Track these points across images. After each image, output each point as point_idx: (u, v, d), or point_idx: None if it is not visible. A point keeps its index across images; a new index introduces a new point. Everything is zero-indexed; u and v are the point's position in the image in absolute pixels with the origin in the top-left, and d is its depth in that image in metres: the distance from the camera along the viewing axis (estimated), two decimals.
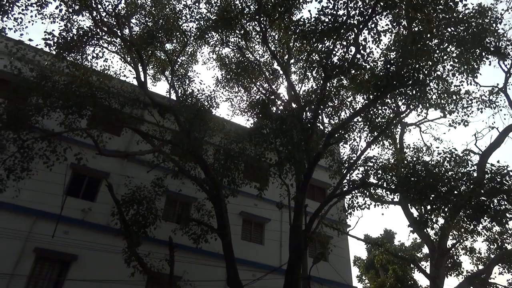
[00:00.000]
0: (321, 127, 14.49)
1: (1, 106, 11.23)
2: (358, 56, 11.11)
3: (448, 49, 12.53)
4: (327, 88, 12.14)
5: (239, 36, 16.52)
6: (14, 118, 10.95)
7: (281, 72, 16.93)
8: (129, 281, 11.97)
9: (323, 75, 11.96)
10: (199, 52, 23.32)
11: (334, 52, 11.37)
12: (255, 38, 17.15)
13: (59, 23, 14.86)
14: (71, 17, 13.61)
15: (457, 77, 14.05)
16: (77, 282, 12.81)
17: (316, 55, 12.66)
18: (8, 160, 11.54)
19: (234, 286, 11.68)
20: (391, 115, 13.87)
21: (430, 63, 11.76)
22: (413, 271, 27.50)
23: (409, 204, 16.76)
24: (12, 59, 11.79)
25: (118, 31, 14.58)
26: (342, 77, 12.57)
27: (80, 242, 13.47)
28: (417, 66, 11.28)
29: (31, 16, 12.76)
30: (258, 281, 13.16)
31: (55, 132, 12.06)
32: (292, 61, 17.04)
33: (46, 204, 13.57)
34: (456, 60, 13.11)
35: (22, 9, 11.99)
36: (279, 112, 12.53)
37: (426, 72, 11.56)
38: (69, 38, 12.25)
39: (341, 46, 11.44)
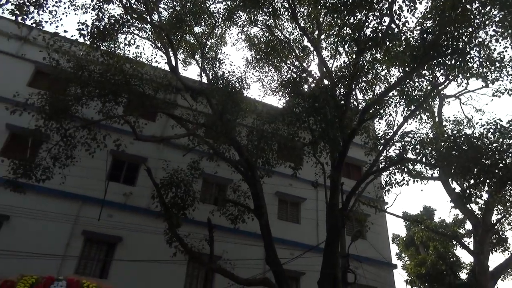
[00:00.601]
0: (355, 103, 14.15)
1: (43, 97, 11.75)
2: (393, 26, 10.65)
3: (490, 13, 11.74)
4: (360, 63, 11.77)
5: (268, 14, 16.25)
6: (56, 108, 11.46)
7: (311, 48, 16.59)
8: (171, 261, 12.40)
9: (355, 49, 11.60)
10: (228, 34, 23.22)
11: (366, 24, 10.96)
12: (284, 15, 16.83)
13: (91, 13, 15.21)
14: (102, 6, 13.88)
15: (500, 43, 13.19)
16: (123, 262, 13.45)
17: (348, 28, 12.26)
18: (53, 149, 12.14)
19: (272, 264, 11.86)
20: (429, 87, 13.30)
21: (471, 30, 11.08)
22: (455, 248, 26.80)
23: (450, 179, 16.21)
24: (50, 51, 12.23)
25: (148, 17, 14.73)
26: (376, 50, 12.12)
27: (124, 224, 14.07)
28: (456, 33, 10.68)
29: (65, 8, 13.16)
30: (296, 260, 13.30)
31: (94, 120, 12.51)
32: (322, 36, 16.62)
33: (90, 189, 14.21)
34: (499, 25, 12.27)
35: (56, 1, 12.34)
36: (311, 89, 12.31)
37: (466, 39, 10.92)
38: (101, 27, 12.51)
39: (374, 17, 11.01)
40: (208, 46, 17.85)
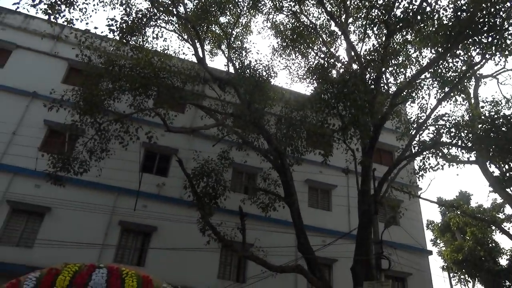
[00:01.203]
0: (385, 87, 13.78)
1: (77, 93, 12.15)
2: (424, 5, 10.25)
3: None
4: (391, 45, 11.43)
5: (293, 0, 16.00)
6: (90, 103, 11.83)
7: (339, 33, 16.25)
8: (205, 249, 12.68)
9: (385, 31, 11.28)
10: (253, 22, 23.17)
11: (396, 5, 10.60)
12: (310, 1, 16.52)
13: (119, 9, 15.50)
14: (129, 1, 14.11)
15: None
16: (159, 251, 13.86)
17: (377, 10, 11.90)
18: (89, 142, 12.58)
19: (304, 251, 11.89)
20: (464, 68, 12.76)
21: (509, 4, 10.50)
22: (494, 233, 25.88)
23: (488, 163, 15.59)
24: (81, 48, 12.59)
25: (174, 10, 14.85)
26: (407, 31, 11.72)
27: (158, 214, 14.46)
28: (492, 9, 10.15)
29: (94, 5, 13.46)
30: (328, 247, 13.25)
31: (126, 113, 12.84)
32: (350, 20, 16.21)
33: (125, 181, 14.66)
34: None
35: None
36: (339, 75, 12.10)
37: (503, 15, 10.37)
38: (129, 22, 12.73)
39: None
40: (233, 36, 17.83)
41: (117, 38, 12.69)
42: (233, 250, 12.91)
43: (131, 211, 14.15)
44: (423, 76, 13.15)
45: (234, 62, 16.25)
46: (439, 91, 13.14)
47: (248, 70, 13.95)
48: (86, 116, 12.08)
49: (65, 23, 11.97)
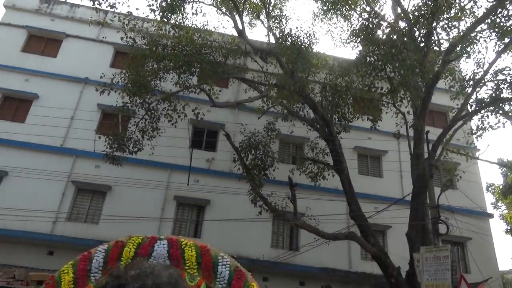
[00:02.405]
0: (437, 43, 12.93)
1: (125, 76, 12.58)
2: None
3: None
4: None
5: None
6: (137, 85, 12.22)
7: None
8: (257, 219, 12.98)
9: None
10: None
11: None
12: None
13: None
14: None
15: None
16: (213, 222, 14.41)
17: None
18: (140, 122, 13.10)
19: (357, 218, 11.82)
20: None
21: None
22: None
23: None
24: (126, 31, 12.93)
25: None
26: None
27: (210, 188, 14.94)
28: None
29: None
30: (381, 213, 13.06)
31: (172, 92, 13.15)
32: None
33: (176, 157, 15.21)
34: None
35: None
36: (386, 35, 11.49)
37: None
38: (169, 0, 12.81)
39: None
40: (272, 4, 17.38)
41: (158, 17, 12.85)
42: (284, 220, 13.13)
43: (185, 186, 14.72)
44: (479, 28, 12.14)
45: (274, 31, 15.92)
46: (498, 43, 12.09)
47: (289, 39, 13.63)
48: (135, 97, 12.52)
49: (108, 8, 12.28)
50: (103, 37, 17.61)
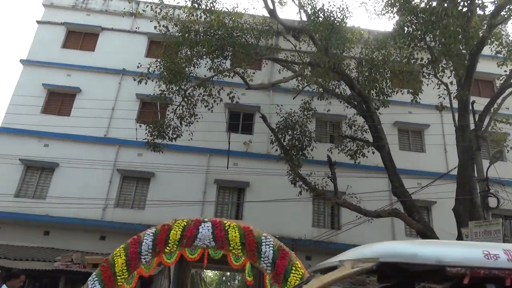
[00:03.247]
0: (481, 7, 12.11)
1: (160, 64, 12.81)
2: None
3: None
4: None
5: None
6: (173, 72, 12.43)
7: None
8: (297, 199, 13.03)
9: None
10: None
11: None
12: None
13: None
14: None
15: None
16: (254, 204, 14.60)
17: None
18: (178, 109, 13.37)
19: (400, 195, 11.57)
20: None
21: None
22: None
23: None
24: (158, 19, 13.10)
25: None
26: None
27: (249, 170, 15.11)
28: None
29: None
30: (425, 189, 12.68)
31: (207, 77, 13.26)
32: None
33: (214, 141, 15.44)
34: None
35: None
36: (424, 2, 10.90)
37: None
38: None
39: None
40: None
41: (189, 3, 12.90)
42: (325, 199, 13.08)
43: (224, 169, 14.97)
44: None
45: (306, 8, 15.50)
46: None
47: (321, 14, 13.27)
48: (172, 84, 12.75)
49: None
50: (136, 28, 17.96)
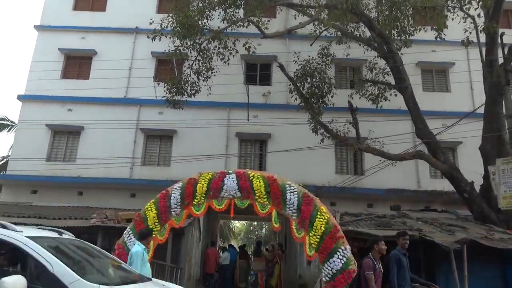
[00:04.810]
0: None
1: (172, 19, 12.52)
2: None
3: None
4: None
5: None
6: (186, 26, 12.16)
7: None
8: (319, 147, 13.04)
9: None
10: None
11: None
12: None
13: None
14: None
15: None
16: (276, 155, 14.73)
17: None
18: (194, 64, 13.24)
19: (424, 136, 11.39)
20: None
21: None
22: None
23: None
24: None
25: None
26: None
27: (269, 121, 15.11)
28: None
29: None
30: (450, 129, 12.43)
31: (221, 29, 12.94)
32: None
33: (233, 94, 15.37)
34: None
35: None
36: None
37: None
38: None
39: None
40: None
41: None
42: (347, 145, 13.05)
43: (245, 122, 15.01)
44: None
45: None
46: None
47: None
48: (186, 39, 12.53)
49: None
50: None
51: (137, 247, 6.02)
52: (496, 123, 10.33)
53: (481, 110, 11.61)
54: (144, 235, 6.28)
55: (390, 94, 12.96)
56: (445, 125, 13.02)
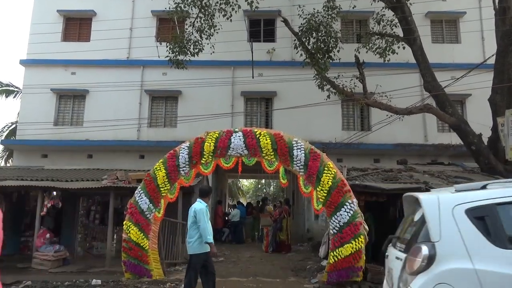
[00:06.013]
0: None
1: None
2: None
3: None
4: None
5: None
6: None
7: None
8: (325, 104, 12.91)
9: None
10: None
11: None
12: None
13: None
14: None
15: None
16: (283, 112, 14.66)
17: None
18: (196, 22, 12.88)
19: (432, 89, 11.19)
20: None
21: None
22: None
23: None
24: None
25: None
26: None
27: (275, 79, 14.91)
28: None
29: None
30: (459, 81, 12.16)
31: None
32: None
33: (237, 52, 15.09)
34: None
35: None
36: None
37: None
38: None
39: None
40: None
41: None
42: (354, 100, 12.91)
43: (250, 81, 14.85)
44: None
45: None
46: None
47: None
48: None
49: None
50: None
51: (199, 204, 6.02)
52: (507, 73, 10.08)
53: (492, 61, 11.31)
54: (205, 193, 6.27)
55: (398, 47, 12.60)
56: (454, 77, 12.72)
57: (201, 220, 5.84)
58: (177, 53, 12.83)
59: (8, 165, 18.22)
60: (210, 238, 5.85)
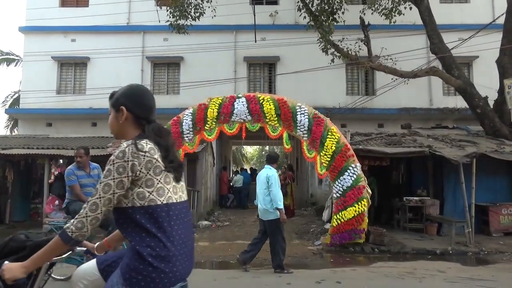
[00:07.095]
0: None
1: None
2: None
3: None
4: None
5: None
6: None
7: None
8: (329, 68, 12.70)
9: None
10: None
11: None
12: None
13: None
14: None
15: None
16: (286, 78, 14.47)
17: None
18: None
19: (438, 51, 10.96)
20: None
21: None
22: None
23: None
24: None
25: None
26: None
27: (278, 43, 14.62)
28: None
29: None
30: (466, 43, 11.85)
31: None
32: None
33: (239, 15, 14.71)
34: None
35: None
36: None
37: None
38: None
39: None
40: None
41: None
42: (358, 64, 12.70)
43: (253, 45, 14.54)
44: None
45: None
46: None
47: None
48: None
49: None
50: None
51: (270, 170, 6.04)
52: None
53: (501, 20, 10.98)
54: (274, 159, 6.25)
55: (405, 8, 12.22)
56: (461, 39, 12.40)
57: (273, 186, 5.86)
58: (178, 18, 12.56)
59: (13, 134, 18.35)
60: (281, 204, 5.83)
